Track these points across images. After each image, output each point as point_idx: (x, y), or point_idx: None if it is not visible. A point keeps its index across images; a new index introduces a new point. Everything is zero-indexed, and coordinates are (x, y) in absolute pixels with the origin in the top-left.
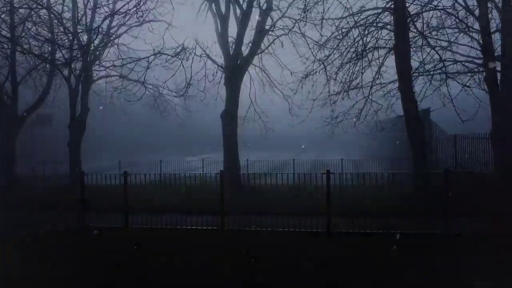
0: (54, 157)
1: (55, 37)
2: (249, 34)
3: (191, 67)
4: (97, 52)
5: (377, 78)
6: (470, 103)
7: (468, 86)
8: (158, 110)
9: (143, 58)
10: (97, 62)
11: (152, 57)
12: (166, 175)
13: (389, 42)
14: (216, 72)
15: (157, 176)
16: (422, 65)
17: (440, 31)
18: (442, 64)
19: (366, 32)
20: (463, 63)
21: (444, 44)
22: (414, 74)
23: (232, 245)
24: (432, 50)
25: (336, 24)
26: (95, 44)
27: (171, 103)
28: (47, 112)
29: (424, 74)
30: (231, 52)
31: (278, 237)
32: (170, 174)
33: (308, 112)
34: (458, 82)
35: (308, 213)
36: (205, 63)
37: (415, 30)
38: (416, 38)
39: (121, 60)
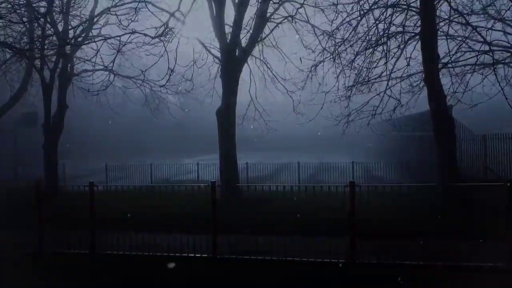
0: (36, 159)
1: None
2: (249, 23)
3: (176, 51)
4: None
5: (404, 68)
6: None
7: None
8: (149, 108)
9: (114, 37)
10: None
11: (126, 36)
12: (143, 187)
13: (414, 27)
14: (212, 64)
15: (140, 187)
16: (456, 51)
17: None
18: (489, 48)
19: (387, 14)
20: (494, 51)
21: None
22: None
23: (226, 280)
24: (458, 38)
25: (348, 10)
26: (76, 33)
27: (163, 101)
28: (32, 111)
29: (459, 63)
30: (228, 40)
31: (285, 269)
32: (149, 186)
33: (315, 108)
34: (510, 66)
35: (323, 233)
36: (194, 49)
37: (441, 14)
38: (444, 24)
39: (82, 37)
